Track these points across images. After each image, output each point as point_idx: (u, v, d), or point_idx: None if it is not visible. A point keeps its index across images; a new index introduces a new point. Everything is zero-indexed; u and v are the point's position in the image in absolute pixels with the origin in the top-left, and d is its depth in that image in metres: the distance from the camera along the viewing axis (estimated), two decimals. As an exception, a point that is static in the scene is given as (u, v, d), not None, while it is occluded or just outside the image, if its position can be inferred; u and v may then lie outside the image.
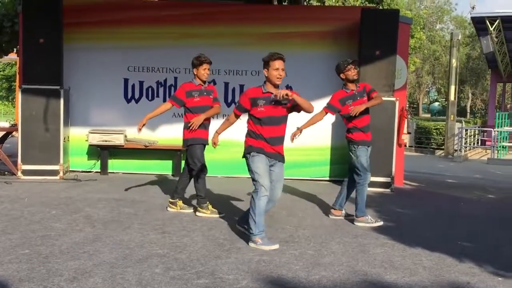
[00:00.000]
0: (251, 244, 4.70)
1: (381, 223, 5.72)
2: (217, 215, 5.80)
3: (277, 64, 4.73)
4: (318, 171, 8.99)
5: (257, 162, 4.75)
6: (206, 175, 5.92)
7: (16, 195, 6.70)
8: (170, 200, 6.09)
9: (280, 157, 4.89)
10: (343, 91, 5.79)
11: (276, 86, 4.81)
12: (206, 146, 5.86)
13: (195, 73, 5.85)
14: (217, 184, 7.69)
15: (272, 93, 4.78)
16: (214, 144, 5.19)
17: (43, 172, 8.06)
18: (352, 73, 5.70)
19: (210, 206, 5.89)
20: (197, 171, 5.83)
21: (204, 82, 5.90)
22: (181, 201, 6.09)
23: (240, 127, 5.35)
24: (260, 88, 4.83)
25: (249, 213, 4.79)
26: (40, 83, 7.98)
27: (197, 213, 5.87)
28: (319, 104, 8.62)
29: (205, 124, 5.85)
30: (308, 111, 4.84)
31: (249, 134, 4.87)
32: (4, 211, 5.71)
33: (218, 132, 5.16)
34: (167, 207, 6.07)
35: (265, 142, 4.78)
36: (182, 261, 4.18)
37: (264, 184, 4.70)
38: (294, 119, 5.26)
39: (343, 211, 6.08)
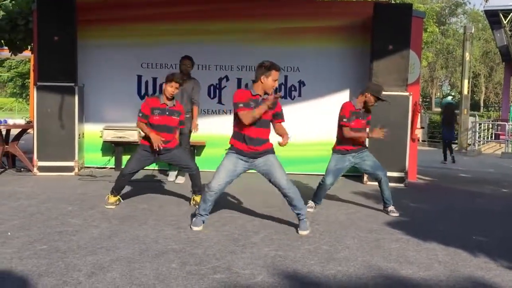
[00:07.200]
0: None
1: None
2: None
3: (277, 75, 4.83)
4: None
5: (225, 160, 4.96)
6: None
7: (32, 191, 6.79)
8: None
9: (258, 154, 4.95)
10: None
11: (265, 94, 4.90)
12: None
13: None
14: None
15: (260, 95, 4.90)
16: None
17: (58, 169, 8.16)
18: None
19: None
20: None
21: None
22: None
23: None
24: (249, 91, 4.94)
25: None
26: (54, 80, 8.07)
27: None
28: (330, 99, 8.70)
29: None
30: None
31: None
32: (21, 207, 5.79)
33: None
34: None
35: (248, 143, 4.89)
36: (198, 256, 4.21)
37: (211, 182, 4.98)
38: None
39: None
